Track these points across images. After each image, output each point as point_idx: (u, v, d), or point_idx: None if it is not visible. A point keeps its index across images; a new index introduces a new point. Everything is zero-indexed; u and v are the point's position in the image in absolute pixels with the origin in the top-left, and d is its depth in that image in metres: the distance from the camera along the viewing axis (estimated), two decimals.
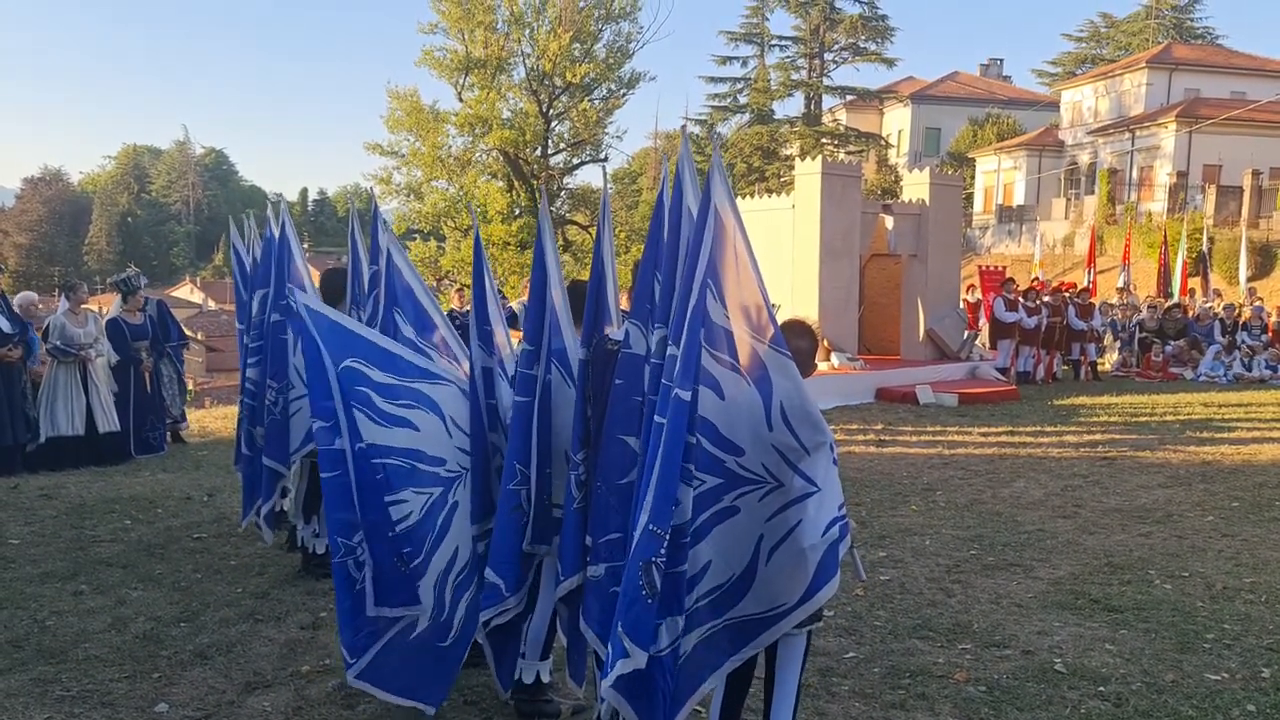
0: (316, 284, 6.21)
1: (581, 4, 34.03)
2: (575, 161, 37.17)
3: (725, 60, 52.66)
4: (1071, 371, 17.49)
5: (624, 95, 35.71)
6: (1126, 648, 4.96)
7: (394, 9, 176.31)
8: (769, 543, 3.11)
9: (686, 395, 2.94)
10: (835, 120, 53.31)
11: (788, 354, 3.07)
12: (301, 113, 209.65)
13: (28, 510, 7.71)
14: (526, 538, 3.90)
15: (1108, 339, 18.99)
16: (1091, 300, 18.41)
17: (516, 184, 34.41)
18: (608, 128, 36.24)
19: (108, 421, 9.60)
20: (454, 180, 34.37)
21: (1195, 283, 23.78)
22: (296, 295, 4.44)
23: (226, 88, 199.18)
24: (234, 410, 9.57)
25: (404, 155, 34.65)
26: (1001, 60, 61.91)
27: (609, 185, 50.75)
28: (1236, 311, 18.55)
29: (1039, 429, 11.82)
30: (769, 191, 33.45)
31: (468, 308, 8.03)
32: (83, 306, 9.85)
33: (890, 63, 50.40)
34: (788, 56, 52.03)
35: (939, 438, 11.19)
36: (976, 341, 17.61)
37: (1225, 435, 11.39)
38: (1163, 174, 37.60)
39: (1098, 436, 11.38)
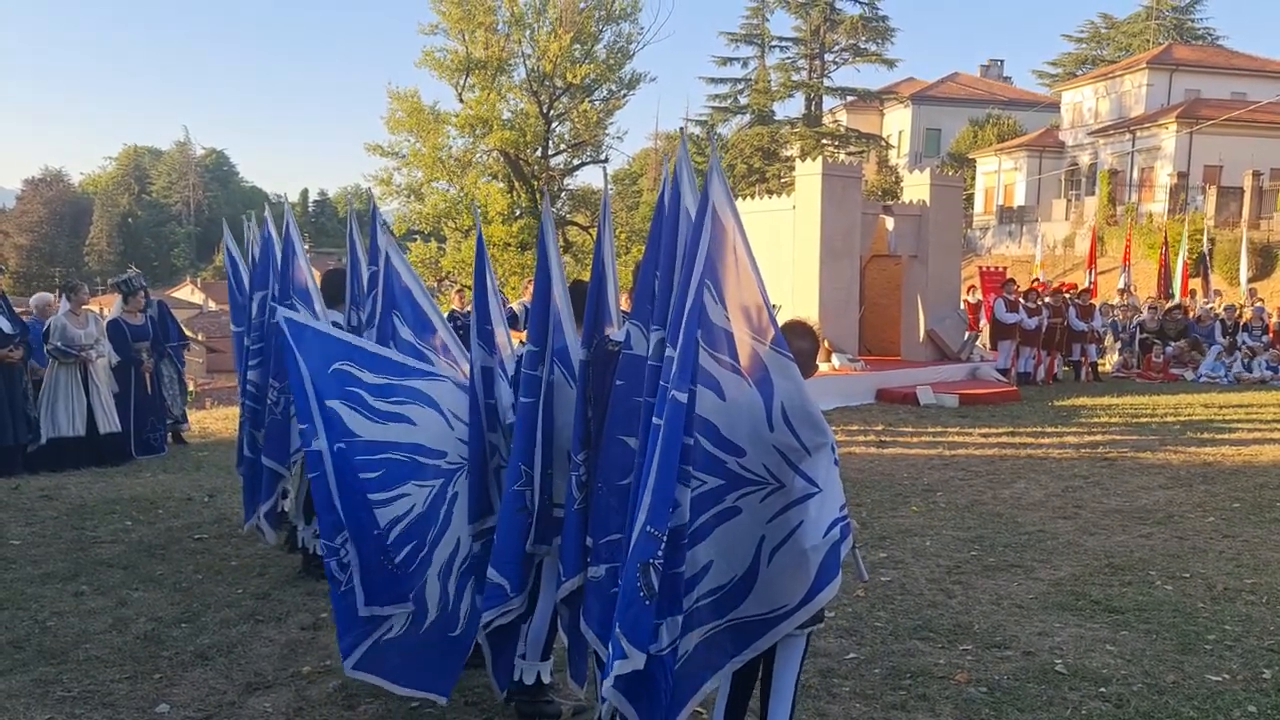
0: (319, 284, 6.22)
1: (582, 5, 34.04)
2: (576, 162, 37.20)
3: (725, 61, 52.70)
4: (1072, 372, 17.48)
5: (624, 96, 35.74)
6: (1127, 649, 4.96)
7: (394, 10, 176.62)
8: (770, 544, 3.11)
9: (683, 397, 2.94)
10: (836, 121, 53.31)
11: (789, 355, 3.07)
12: (302, 113, 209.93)
13: (29, 511, 7.71)
14: (530, 539, 3.91)
15: (1108, 340, 18.99)
16: (1092, 301, 18.41)
17: (517, 185, 34.42)
18: (608, 129, 36.28)
19: (108, 422, 9.61)
20: (454, 181, 34.37)
21: (1196, 284, 23.78)
22: (279, 311, 4.50)
23: (227, 88, 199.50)
24: (234, 411, 9.59)
25: (404, 156, 34.66)
26: (1002, 61, 61.94)
27: (609, 186, 50.72)
28: (1237, 312, 18.55)
29: (1040, 430, 11.81)
30: (769, 192, 33.49)
31: (468, 308, 8.04)
32: (83, 307, 9.85)
33: (891, 63, 50.44)
34: (788, 57, 52.10)
35: (939, 439, 11.19)
36: (977, 342, 17.60)
37: (1226, 436, 11.38)
38: (1163, 175, 37.60)
39: (1098, 437, 11.37)
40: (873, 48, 49.73)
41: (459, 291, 18.17)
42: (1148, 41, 53.30)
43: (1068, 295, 17.64)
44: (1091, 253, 25.65)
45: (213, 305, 54.92)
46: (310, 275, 6.12)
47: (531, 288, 4.84)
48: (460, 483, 4.24)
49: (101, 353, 9.64)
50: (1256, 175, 32.01)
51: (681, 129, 3.42)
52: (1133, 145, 40.23)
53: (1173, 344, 18.07)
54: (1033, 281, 20.79)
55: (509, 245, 32.11)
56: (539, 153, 35.25)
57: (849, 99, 51.94)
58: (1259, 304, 18.95)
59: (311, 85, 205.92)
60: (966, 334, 17.20)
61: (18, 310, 9.97)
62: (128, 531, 7.13)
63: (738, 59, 52.62)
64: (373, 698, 4.36)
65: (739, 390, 3.06)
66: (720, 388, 3.05)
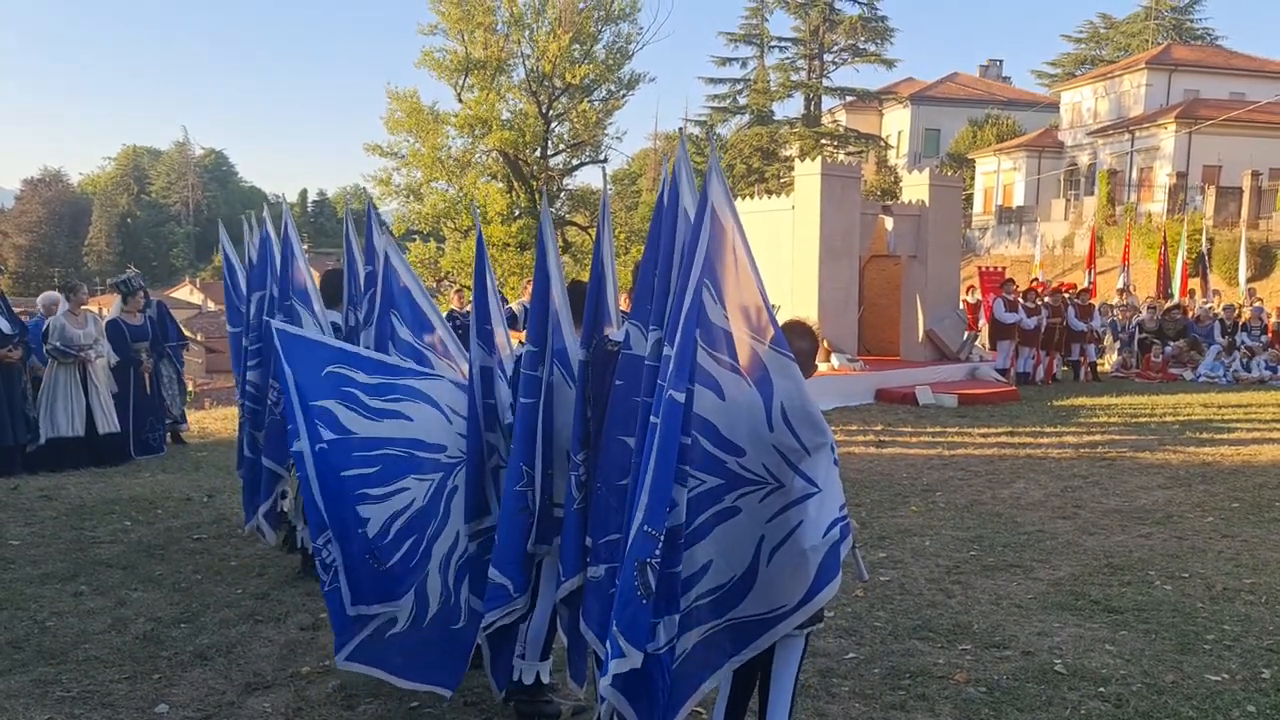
0: (318, 284, 6.23)
1: (581, 5, 34.04)
2: (575, 162, 37.18)
3: (725, 61, 52.70)
4: (1071, 372, 17.49)
5: (624, 96, 35.72)
6: (1126, 649, 4.96)
7: (394, 10, 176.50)
8: (770, 544, 3.11)
9: (681, 397, 2.94)
10: (835, 121, 53.32)
11: (789, 355, 3.07)
12: (301, 114, 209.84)
13: (28, 511, 7.71)
14: (531, 539, 3.91)
15: (1107, 340, 19.00)
16: (1091, 301, 18.41)
17: (516, 185, 34.41)
18: (607, 129, 36.26)
19: (107, 422, 9.61)
20: (454, 181, 34.36)
21: (1195, 283, 23.78)
22: (271, 323, 4.58)
23: (226, 88, 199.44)
24: (233, 411, 9.58)
25: (404, 156, 34.64)
26: (1001, 61, 61.97)
27: (609, 186, 50.78)
28: (1236, 312, 18.57)
29: (1039, 430, 11.82)
30: (768, 192, 33.49)
31: (467, 308, 8.03)
32: (83, 308, 9.85)
33: (890, 64, 50.44)
34: (787, 57, 52.09)
35: (939, 439, 11.19)
36: (976, 342, 17.61)
37: (1225, 436, 11.39)
38: (1162, 175, 37.61)
39: (1097, 437, 11.38)
40: (872, 48, 49.74)
41: (458, 291, 18.16)
42: (1147, 41, 53.32)
43: (1067, 295, 17.65)
44: (1091, 253, 25.66)
45: (212, 305, 54.88)
46: (309, 276, 6.12)
47: (531, 288, 4.84)
48: (460, 476, 4.25)
49: (100, 353, 9.64)
50: (1255, 175, 32.02)
51: (681, 129, 3.43)
52: (1132, 145, 40.25)
53: (1172, 344, 18.08)
54: (1032, 281, 20.79)
55: (508, 245, 32.11)
56: (538, 153, 35.25)
57: (848, 99, 51.95)
58: (1258, 304, 18.96)
59: (311, 85, 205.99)
60: (965, 334, 17.21)
61: (24, 309, 9.98)
62: (127, 532, 7.13)
63: (737, 59, 52.68)
64: (372, 698, 4.37)
65: (739, 390, 3.06)
66: (720, 387, 3.05)
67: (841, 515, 3.17)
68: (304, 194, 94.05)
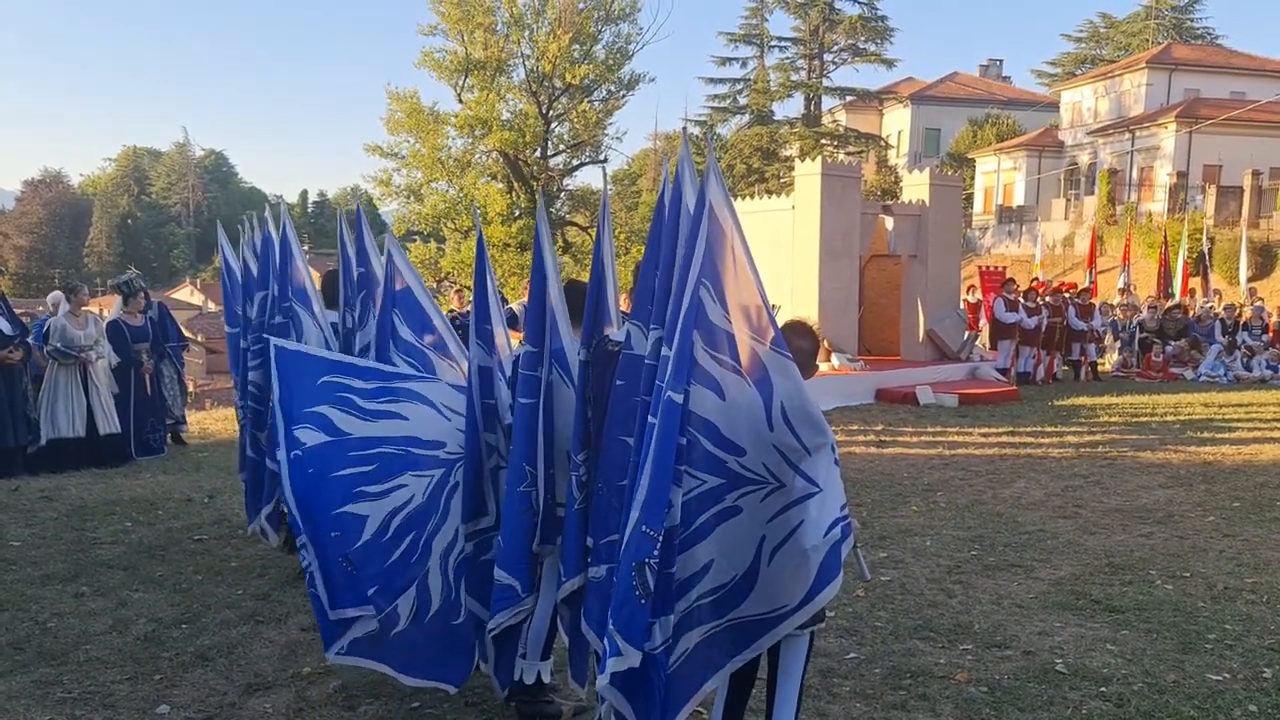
0: (318, 285, 6.23)
1: (581, 5, 34.05)
2: (575, 163, 37.20)
3: (725, 61, 52.69)
4: (1072, 372, 17.48)
5: (624, 96, 35.73)
6: (1128, 648, 4.96)
7: (394, 10, 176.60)
8: (771, 543, 3.11)
9: (679, 398, 2.94)
10: (835, 121, 53.32)
11: (788, 355, 3.07)
12: (301, 114, 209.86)
13: (28, 512, 7.71)
14: (536, 539, 3.91)
15: (1108, 339, 18.99)
16: (1092, 301, 18.40)
17: (516, 185, 34.42)
18: (607, 129, 36.28)
19: (108, 423, 9.61)
20: (454, 182, 34.38)
21: (1195, 283, 23.79)
22: (270, 340, 4.62)
23: (226, 89, 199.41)
24: (234, 412, 9.56)
25: (404, 157, 34.66)
26: (1001, 61, 62.02)
27: (609, 186, 50.80)
28: (1237, 312, 18.56)
29: (1039, 429, 11.82)
30: (769, 192, 33.48)
31: (468, 308, 8.03)
32: (83, 309, 9.86)
33: (890, 63, 50.46)
34: (787, 57, 52.10)
35: (939, 438, 11.19)
36: (977, 342, 17.61)
37: (1226, 435, 11.39)
38: (1163, 174, 37.61)
39: (1098, 437, 11.37)
40: (872, 48, 49.76)
41: (458, 292, 18.17)
42: (1147, 41, 53.32)
43: (1067, 295, 17.64)
44: (1091, 252, 25.67)
45: (212, 306, 54.86)
46: (309, 276, 6.13)
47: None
48: (461, 473, 4.26)
49: (101, 354, 9.65)
50: (1256, 174, 32.03)
51: (683, 128, 3.43)
52: (1132, 145, 40.25)
53: (1172, 343, 18.08)
54: (1032, 281, 20.79)
55: (508, 246, 32.12)
56: (538, 153, 35.27)
57: (848, 99, 51.96)
58: (1258, 303, 18.96)
59: (311, 86, 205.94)
60: (966, 334, 17.21)
61: (25, 310, 9.99)
62: (128, 533, 7.13)
63: (737, 59, 52.68)
64: (373, 698, 4.37)
65: (739, 390, 3.06)
66: (720, 388, 3.05)
67: (843, 515, 3.17)
68: (304, 195, 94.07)
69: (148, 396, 10.09)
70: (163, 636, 5.09)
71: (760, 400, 3.05)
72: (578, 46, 33.94)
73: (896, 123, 54.29)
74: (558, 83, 34.00)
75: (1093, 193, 39.93)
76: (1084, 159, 43.99)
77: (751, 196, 22.14)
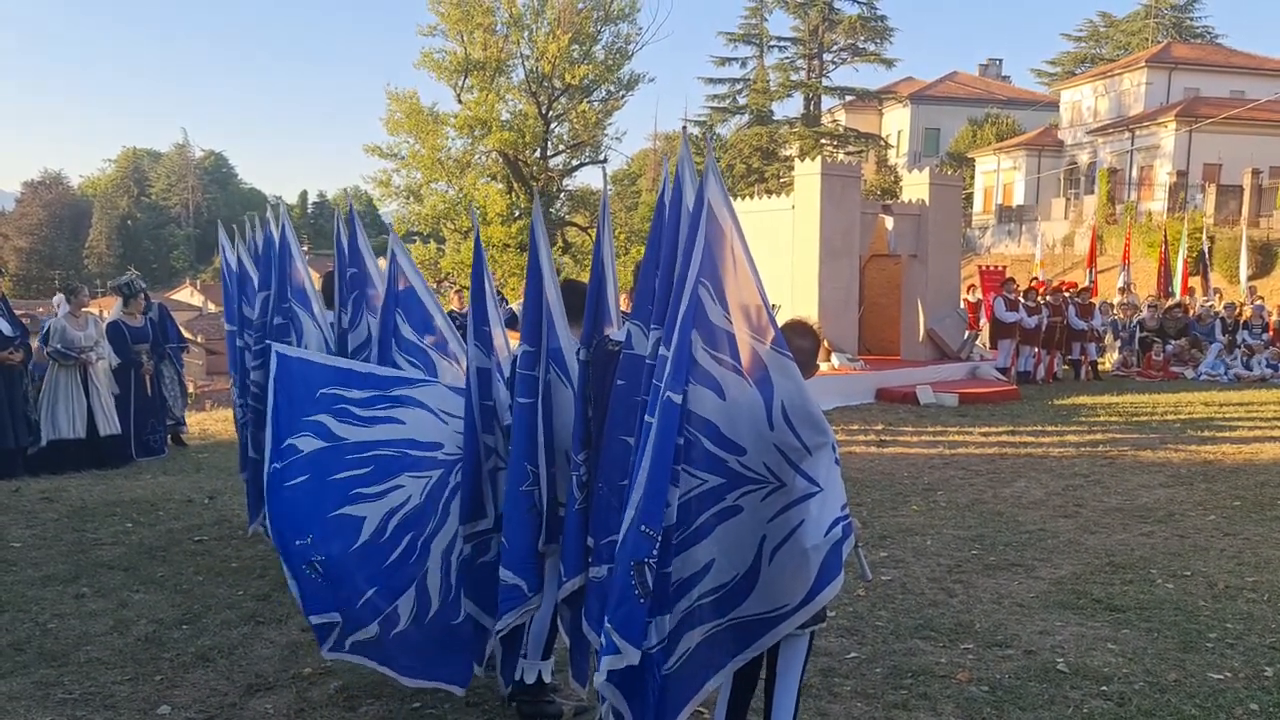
0: (318, 286, 6.23)
1: (580, 5, 34.06)
2: (575, 163, 37.26)
3: (724, 61, 52.66)
4: (1072, 371, 17.48)
5: (623, 96, 35.80)
6: (1129, 647, 4.95)
7: (394, 10, 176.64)
8: (771, 543, 3.11)
9: (678, 398, 2.94)
10: (834, 121, 53.31)
11: (789, 354, 3.07)
12: (301, 115, 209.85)
13: (29, 513, 7.71)
14: (541, 538, 3.91)
15: (1108, 338, 18.98)
16: (1092, 300, 18.40)
17: (516, 186, 34.44)
18: (607, 129, 36.37)
19: (108, 424, 9.61)
20: (453, 182, 34.41)
21: (1195, 282, 23.79)
22: (275, 347, 4.62)
23: (226, 90, 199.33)
24: (233, 412, 9.57)
25: (403, 157, 34.70)
26: (1000, 60, 62.04)
27: (608, 187, 50.80)
28: (1237, 310, 18.56)
29: (1040, 429, 11.81)
30: (768, 192, 33.49)
31: (467, 309, 8.03)
32: (83, 310, 9.86)
33: (889, 63, 50.45)
34: (787, 57, 52.07)
35: (940, 438, 11.19)
36: (977, 341, 17.61)
37: (1226, 434, 11.38)
38: (1162, 173, 37.61)
39: (1099, 436, 11.37)
40: (871, 47, 49.75)
41: (458, 292, 18.19)
42: (1146, 40, 53.32)
43: (1067, 294, 17.64)
44: (1091, 251, 25.67)
45: (212, 307, 54.86)
46: (308, 277, 6.13)
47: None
48: (459, 474, 4.26)
49: (101, 355, 9.65)
50: (1256, 173, 32.03)
51: (683, 128, 3.44)
52: (1132, 144, 40.25)
53: (1173, 342, 18.08)
54: (1032, 280, 20.79)
55: (508, 246, 32.15)
56: (538, 153, 35.30)
57: (848, 99, 51.95)
58: (1259, 302, 18.96)
59: (311, 86, 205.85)
60: (966, 333, 17.21)
61: (25, 311, 10.01)
62: (128, 534, 7.13)
63: (736, 59, 52.65)
64: (374, 698, 4.37)
65: (740, 390, 3.06)
66: (721, 387, 3.05)
67: (843, 514, 3.16)
68: (304, 195, 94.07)
69: (148, 397, 10.09)
70: (163, 637, 5.09)
71: (761, 400, 3.05)
72: (577, 47, 33.98)
73: (896, 122, 54.29)
74: (557, 83, 34.04)
75: (1092, 192, 39.94)
76: (1084, 158, 44.00)
77: (751, 196, 22.16)
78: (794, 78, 51.58)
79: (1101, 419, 12.73)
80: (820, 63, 50.81)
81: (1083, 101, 46.05)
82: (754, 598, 3.14)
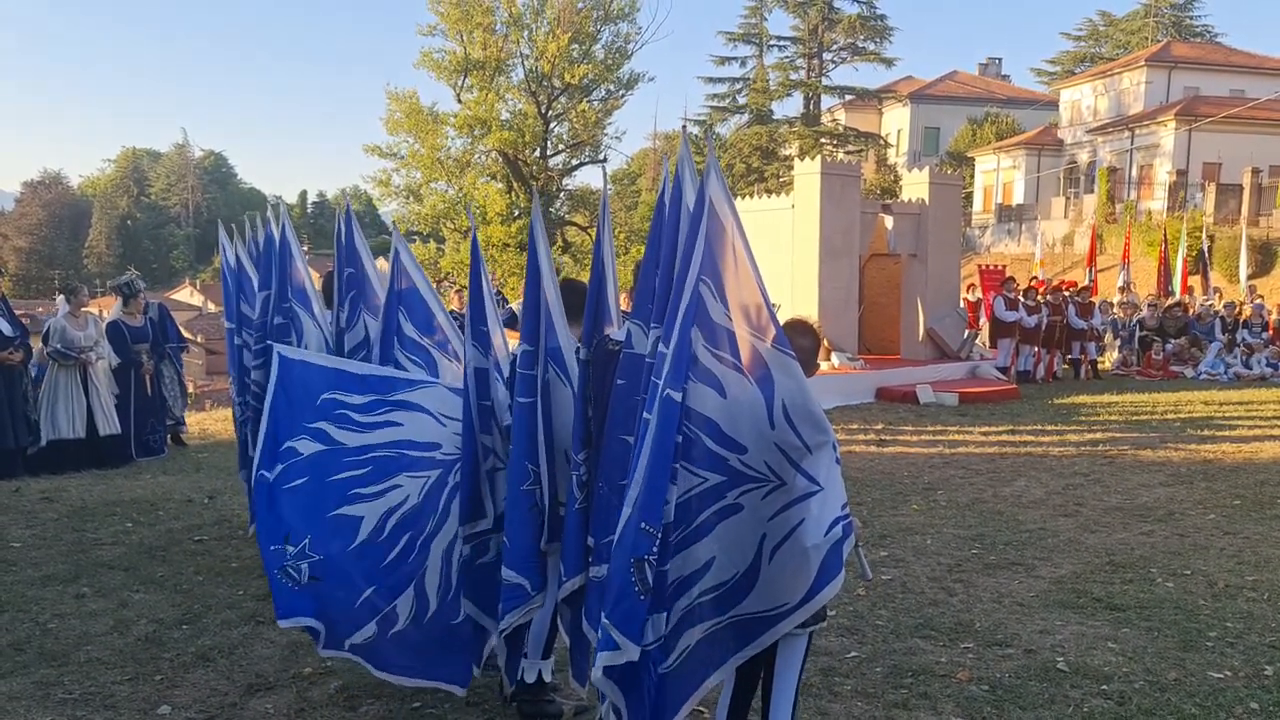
0: (318, 286, 6.24)
1: (580, 5, 34.06)
2: (574, 162, 37.27)
3: (724, 61, 52.64)
4: (1072, 370, 17.48)
5: (623, 96, 35.81)
6: (1129, 646, 4.96)
7: (394, 10, 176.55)
8: (771, 541, 3.11)
9: (677, 396, 2.94)
10: (834, 120, 53.30)
11: (790, 353, 3.07)
12: (301, 114, 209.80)
13: (29, 513, 7.71)
14: (544, 537, 3.90)
15: (1108, 338, 18.99)
16: (1092, 299, 18.41)
17: (516, 185, 34.44)
18: (607, 129, 36.40)
19: (108, 424, 9.61)
20: (453, 182, 34.42)
21: (1195, 281, 23.78)
22: (275, 347, 4.63)
23: (225, 90, 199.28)
24: (232, 411, 9.57)
25: (403, 157, 34.71)
26: (1000, 59, 61.95)
27: (608, 186, 50.80)
28: (1237, 309, 18.56)
29: (1040, 428, 11.81)
30: (768, 192, 33.46)
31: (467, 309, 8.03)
32: (83, 310, 9.86)
33: (889, 62, 50.43)
34: (786, 57, 52.04)
35: (940, 437, 11.19)
36: (977, 341, 17.61)
37: (1226, 433, 11.38)
38: (1162, 172, 37.60)
39: (1098, 435, 11.37)
40: (871, 47, 49.73)
41: (458, 292, 18.17)
42: (1146, 39, 53.32)
43: (1067, 293, 17.64)
44: (1091, 251, 25.66)
45: (212, 307, 54.85)
46: (308, 277, 6.13)
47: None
48: (458, 474, 4.26)
49: (101, 355, 9.65)
50: (1255, 172, 32.02)
51: (683, 127, 3.44)
52: (1131, 143, 40.25)
53: (1172, 341, 18.08)
54: (1032, 280, 20.80)
55: (508, 246, 32.12)
56: (538, 153, 35.30)
57: (847, 98, 51.95)
58: (1258, 301, 18.96)
59: (311, 86, 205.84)
60: (966, 332, 17.21)
61: (25, 312, 10.01)
62: (128, 533, 7.13)
63: (736, 58, 52.61)
64: (374, 698, 4.37)
65: (740, 388, 3.06)
66: (722, 385, 3.05)
67: (843, 513, 3.16)
68: (304, 195, 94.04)
69: (148, 397, 10.09)
70: (164, 637, 5.09)
71: (762, 398, 3.05)
72: (577, 46, 33.98)
73: (896, 122, 54.27)
74: (557, 82, 34.04)
75: (1092, 191, 39.93)
76: (1083, 157, 43.99)
77: (751, 196, 22.14)
78: (794, 77, 51.57)
79: (1101, 418, 12.73)
80: (820, 62, 50.80)
81: (1082, 101, 46.03)
82: (754, 596, 3.14)
